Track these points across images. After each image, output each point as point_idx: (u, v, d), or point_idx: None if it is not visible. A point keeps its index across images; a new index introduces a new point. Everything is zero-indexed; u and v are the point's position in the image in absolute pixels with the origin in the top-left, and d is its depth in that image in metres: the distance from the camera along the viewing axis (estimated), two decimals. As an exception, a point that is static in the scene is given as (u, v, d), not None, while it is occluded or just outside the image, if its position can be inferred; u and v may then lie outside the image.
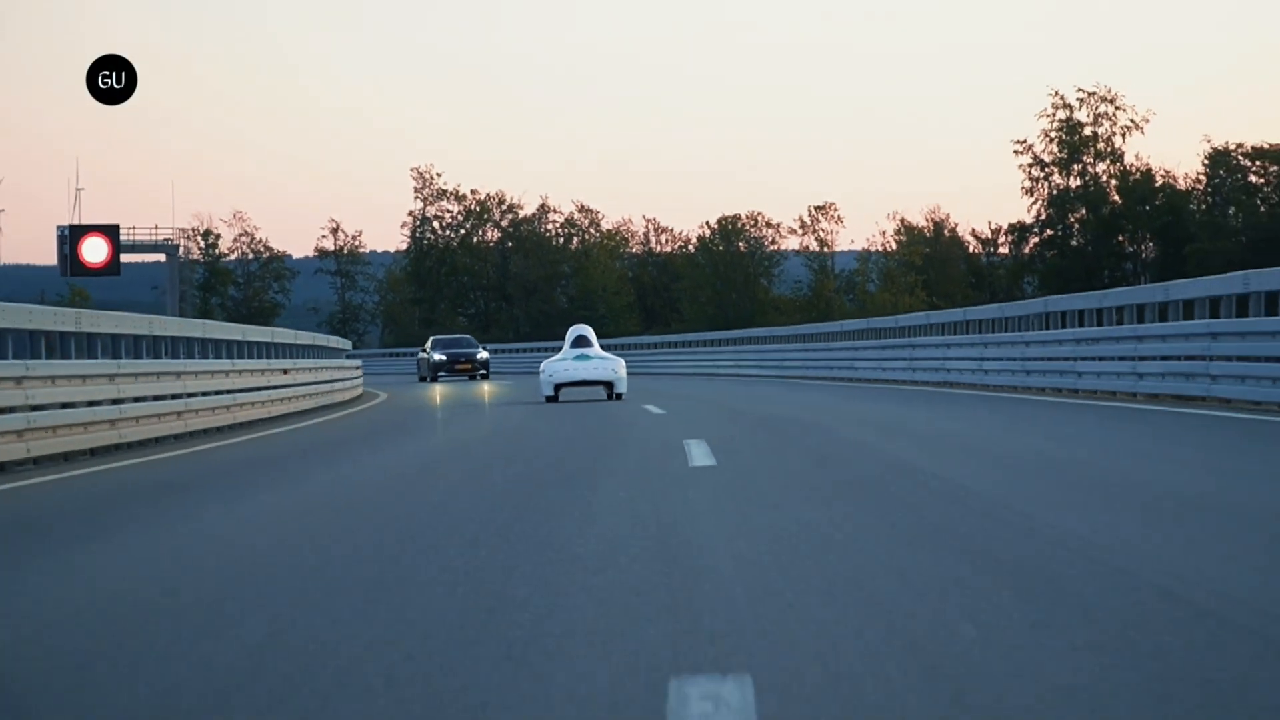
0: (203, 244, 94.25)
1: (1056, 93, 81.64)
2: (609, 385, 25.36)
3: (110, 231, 65.55)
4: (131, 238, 71.51)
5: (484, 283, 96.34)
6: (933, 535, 6.24)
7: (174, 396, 16.64)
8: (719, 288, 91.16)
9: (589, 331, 26.56)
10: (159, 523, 8.22)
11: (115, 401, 14.88)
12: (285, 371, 21.63)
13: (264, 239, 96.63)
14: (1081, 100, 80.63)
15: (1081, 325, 20.67)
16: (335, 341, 29.53)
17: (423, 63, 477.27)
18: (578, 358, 25.52)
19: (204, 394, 17.62)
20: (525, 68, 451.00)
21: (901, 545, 5.93)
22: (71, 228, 65.67)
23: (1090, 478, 8.84)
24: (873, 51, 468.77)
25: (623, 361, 26.23)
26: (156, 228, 74.67)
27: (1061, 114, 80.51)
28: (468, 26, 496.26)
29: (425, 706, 3.57)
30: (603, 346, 27.62)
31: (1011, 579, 5.08)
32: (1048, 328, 22.13)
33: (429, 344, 52.31)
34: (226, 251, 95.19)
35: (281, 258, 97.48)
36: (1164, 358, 18.03)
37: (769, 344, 43.20)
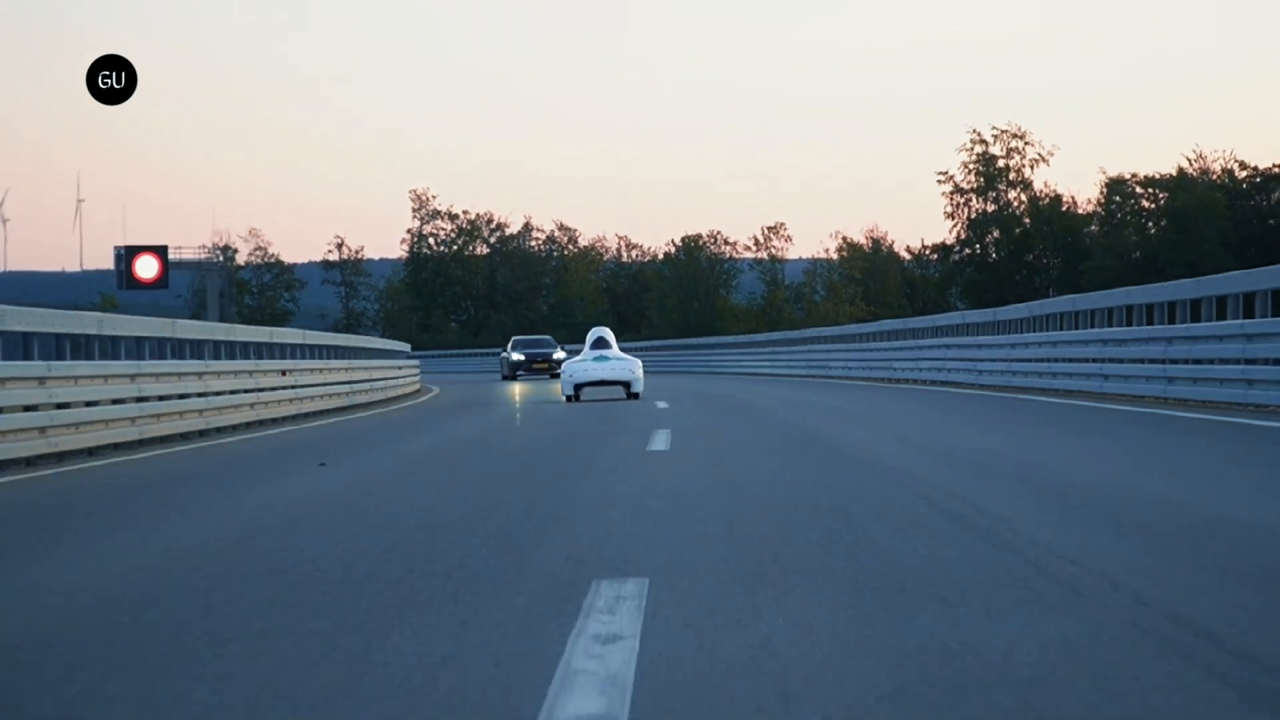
0: (222, 257, 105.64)
1: (974, 130, 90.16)
2: (627, 385, 26.12)
3: (160, 251, 77.19)
4: (179, 255, 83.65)
5: (474, 292, 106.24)
6: (729, 413, 18.89)
7: (290, 387, 22.13)
8: (683, 297, 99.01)
9: (608, 333, 26.85)
10: (377, 447, 20.83)
11: (249, 390, 19.93)
12: (400, 367, 33.99)
13: (276, 253, 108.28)
14: (996, 136, 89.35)
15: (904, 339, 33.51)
16: (400, 345, 41.35)
17: (421, 97, 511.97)
18: (597, 359, 26.06)
19: (322, 384, 24.73)
20: (512, 103, 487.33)
21: (716, 412, 18.59)
22: (127, 248, 77.04)
23: (816, 406, 21.47)
24: (817, 91, 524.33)
25: (640, 362, 26.73)
26: (203, 246, 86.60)
27: (979, 149, 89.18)
28: (462, 66, 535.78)
29: (575, 437, 16.13)
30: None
31: (752, 419, 17.68)
32: (878, 340, 35.01)
33: (510, 345, 54.90)
34: (243, 264, 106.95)
35: (291, 269, 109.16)
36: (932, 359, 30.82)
37: (715, 349, 56.38)
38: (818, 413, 19.01)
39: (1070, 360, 21.55)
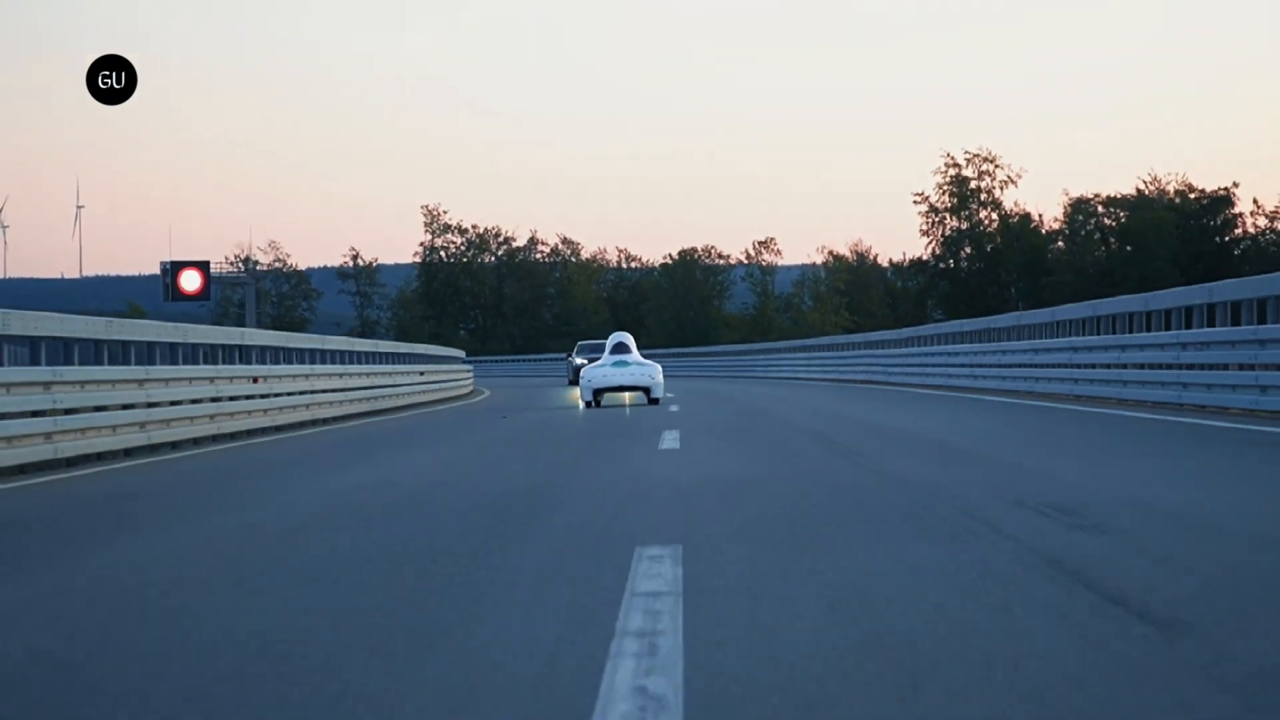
0: (245, 267, 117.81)
1: (948, 154, 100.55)
2: (647, 390, 27.05)
3: (203, 266, 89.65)
4: (220, 270, 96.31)
5: (482, 302, 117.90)
6: (713, 400, 31.74)
7: (382, 386, 36.01)
8: (679, 307, 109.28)
9: (629, 339, 27.32)
10: (483, 427, 33.75)
11: (410, 384, 33.97)
12: (468, 372, 46.60)
13: (295, 264, 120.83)
14: (968, 160, 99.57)
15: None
16: (457, 352, 53.65)
17: (434, 120, 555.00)
18: (616, 364, 26.82)
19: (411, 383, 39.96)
20: (519, 125, 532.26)
21: (705, 400, 31.45)
22: (173, 263, 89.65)
23: (770, 396, 34.25)
24: (807, 115, 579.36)
25: (659, 368, 27.10)
26: (228, 259, 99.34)
27: (952, 171, 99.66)
28: (472, 93, 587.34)
29: (627, 413, 28.95)
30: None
31: (725, 402, 30.51)
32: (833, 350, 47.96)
33: (574, 350, 56.98)
34: (264, 272, 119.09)
35: (308, 279, 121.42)
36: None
37: (707, 357, 69.69)
38: (768, 399, 31.76)
39: (939, 365, 34.58)
